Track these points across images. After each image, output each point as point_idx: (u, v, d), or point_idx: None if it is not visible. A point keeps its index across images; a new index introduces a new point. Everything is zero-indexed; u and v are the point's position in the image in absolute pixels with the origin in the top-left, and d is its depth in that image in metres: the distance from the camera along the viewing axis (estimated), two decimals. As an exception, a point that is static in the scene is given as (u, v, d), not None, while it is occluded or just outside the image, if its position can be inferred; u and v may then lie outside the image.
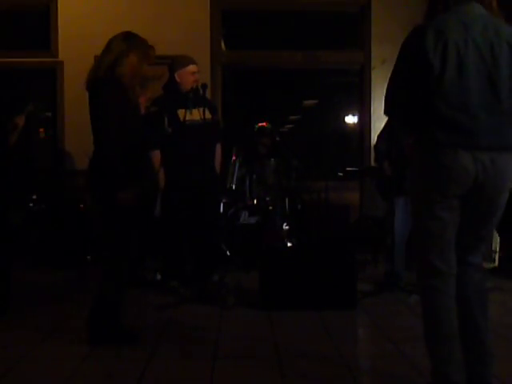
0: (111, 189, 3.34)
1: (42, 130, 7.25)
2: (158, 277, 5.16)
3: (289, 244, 5.53)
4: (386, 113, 2.62)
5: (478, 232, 2.59)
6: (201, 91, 4.60)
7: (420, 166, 2.56)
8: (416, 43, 2.45)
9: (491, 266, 5.30)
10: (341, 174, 6.49)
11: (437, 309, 2.52)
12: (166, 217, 4.78)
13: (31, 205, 6.22)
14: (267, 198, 5.98)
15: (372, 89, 6.94)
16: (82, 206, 6.28)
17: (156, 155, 4.68)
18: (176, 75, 4.71)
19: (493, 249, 5.36)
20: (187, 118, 4.52)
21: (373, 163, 6.53)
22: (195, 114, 4.58)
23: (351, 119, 7.39)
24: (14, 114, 5.02)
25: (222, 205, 5.78)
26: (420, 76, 2.45)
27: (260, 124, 5.99)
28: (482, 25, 2.45)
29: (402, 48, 2.53)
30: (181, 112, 4.57)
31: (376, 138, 5.18)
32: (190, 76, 4.65)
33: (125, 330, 3.56)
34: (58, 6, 6.81)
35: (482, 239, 2.63)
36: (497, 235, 5.34)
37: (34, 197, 6.27)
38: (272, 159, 6.01)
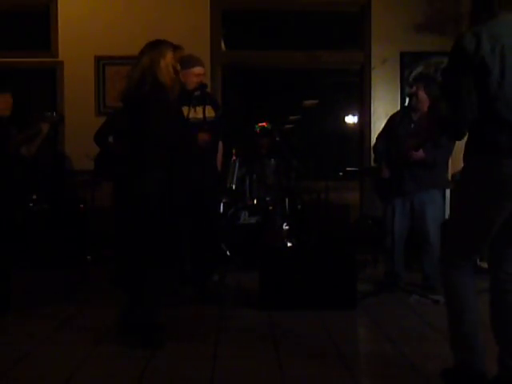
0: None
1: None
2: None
3: (289, 244, 5.53)
4: (444, 132, 2.62)
5: None
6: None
7: (480, 176, 2.49)
8: (471, 49, 2.41)
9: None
10: (341, 174, 6.49)
11: (461, 294, 2.57)
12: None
13: (31, 205, 6.22)
14: (267, 198, 5.98)
15: (372, 89, 6.93)
16: (81, 205, 6.28)
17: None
18: (180, 74, 4.71)
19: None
20: (191, 116, 4.52)
21: (373, 164, 6.54)
22: (199, 112, 4.57)
23: (351, 119, 7.39)
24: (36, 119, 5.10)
25: (221, 205, 5.78)
26: (478, 83, 2.42)
27: (260, 124, 5.98)
28: None
29: (455, 54, 2.48)
30: (184, 109, 4.57)
31: (375, 139, 5.18)
32: (193, 77, 4.64)
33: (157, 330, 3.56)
34: (58, 6, 6.81)
35: None
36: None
37: (34, 197, 6.27)
38: (272, 159, 6.01)
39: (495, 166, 2.43)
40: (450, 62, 2.52)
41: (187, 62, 4.71)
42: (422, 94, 4.74)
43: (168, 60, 3.58)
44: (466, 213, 2.58)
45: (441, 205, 4.98)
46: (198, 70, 4.65)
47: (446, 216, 5.61)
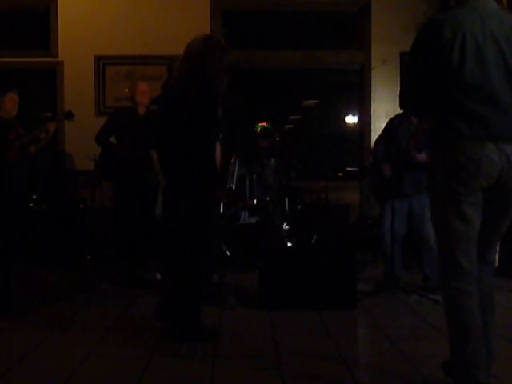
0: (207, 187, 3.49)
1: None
2: (158, 277, 5.16)
3: (289, 244, 5.53)
4: (402, 107, 2.62)
5: (497, 228, 2.57)
6: None
7: (443, 161, 2.48)
8: (433, 36, 2.44)
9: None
10: (341, 174, 6.49)
11: (463, 312, 2.46)
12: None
13: (31, 205, 6.22)
14: (267, 198, 5.98)
15: (372, 89, 6.94)
16: (81, 205, 6.28)
17: (156, 155, 4.68)
18: None
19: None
20: None
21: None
22: None
23: (351, 119, 7.39)
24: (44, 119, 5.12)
25: (222, 205, 5.78)
26: (437, 69, 2.44)
27: (260, 124, 5.98)
28: (498, 19, 2.46)
29: (418, 41, 2.51)
30: None
31: (374, 143, 5.17)
32: None
33: (205, 327, 3.58)
34: (58, 6, 6.82)
35: (499, 235, 2.61)
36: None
37: (34, 197, 6.28)
38: (272, 159, 6.01)
39: (456, 149, 2.42)
40: (413, 44, 2.53)
41: None
42: None
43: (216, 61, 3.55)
44: (440, 211, 2.52)
45: None
46: None
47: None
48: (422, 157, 4.60)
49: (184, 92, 3.45)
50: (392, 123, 5.00)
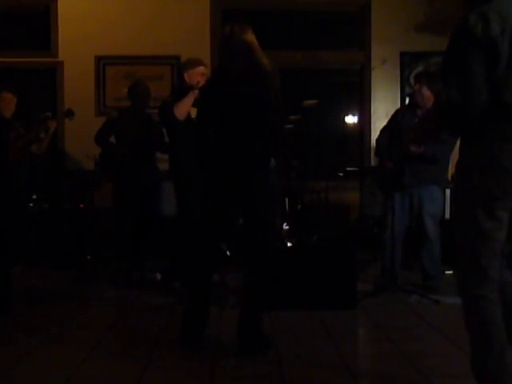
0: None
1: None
2: (158, 277, 5.17)
3: (289, 244, 5.52)
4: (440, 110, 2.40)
5: None
6: None
7: (482, 162, 2.31)
8: (479, 31, 2.22)
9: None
10: (341, 174, 6.49)
11: (486, 321, 2.33)
12: (182, 217, 4.78)
13: (31, 205, 6.22)
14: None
15: (372, 89, 6.94)
16: (81, 205, 6.28)
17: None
18: (185, 75, 4.78)
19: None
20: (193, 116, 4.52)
21: (373, 158, 6.54)
22: None
23: (351, 119, 7.39)
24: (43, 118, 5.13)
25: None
26: (485, 66, 2.25)
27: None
28: None
29: (460, 37, 2.28)
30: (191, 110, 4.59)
31: (379, 132, 5.17)
32: (199, 77, 4.71)
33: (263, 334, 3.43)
34: (58, 5, 6.81)
35: None
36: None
37: (34, 197, 6.27)
38: (272, 159, 5.99)
39: (500, 152, 2.27)
40: (453, 47, 2.31)
41: (190, 63, 4.82)
42: (426, 91, 4.73)
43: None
44: (470, 212, 2.35)
45: (440, 202, 4.97)
46: (202, 69, 4.77)
47: (446, 215, 5.61)
48: (418, 148, 4.59)
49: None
50: (397, 115, 5.00)
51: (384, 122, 5.23)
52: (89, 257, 6.05)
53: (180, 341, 3.40)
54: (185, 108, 4.59)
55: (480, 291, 2.34)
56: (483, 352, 2.35)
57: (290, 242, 5.56)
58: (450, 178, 5.21)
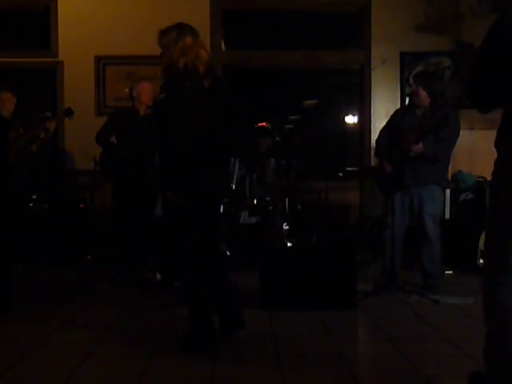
0: None
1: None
2: (158, 277, 5.17)
3: (289, 244, 5.52)
4: (478, 108, 2.37)
5: None
6: None
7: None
8: None
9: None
10: (341, 174, 6.49)
11: (506, 307, 2.34)
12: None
13: (31, 205, 6.22)
14: (267, 198, 5.98)
15: (372, 89, 6.94)
16: (81, 205, 6.28)
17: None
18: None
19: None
20: None
21: (373, 158, 6.54)
22: None
23: (351, 119, 7.39)
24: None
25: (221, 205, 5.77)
26: None
27: (260, 124, 5.98)
28: None
29: (492, 37, 2.26)
30: None
31: (378, 133, 5.17)
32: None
33: None
34: (58, 5, 6.82)
35: None
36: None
37: (34, 197, 6.27)
38: (272, 159, 6.01)
39: None
40: (485, 45, 2.29)
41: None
42: (422, 92, 4.75)
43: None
44: (503, 211, 2.34)
45: (440, 201, 4.97)
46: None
47: (446, 215, 5.61)
48: (419, 147, 4.59)
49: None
50: (396, 115, 5.01)
51: (384, 122, 5.22)
52: (89, 257, 6.06)
53: (207, 347, 3.37)
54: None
55: (504, 279, 2.35)
56: (498, 338, 2.36)
57: (290, 241, 5.57)
58: (449, 178, 5.22)
